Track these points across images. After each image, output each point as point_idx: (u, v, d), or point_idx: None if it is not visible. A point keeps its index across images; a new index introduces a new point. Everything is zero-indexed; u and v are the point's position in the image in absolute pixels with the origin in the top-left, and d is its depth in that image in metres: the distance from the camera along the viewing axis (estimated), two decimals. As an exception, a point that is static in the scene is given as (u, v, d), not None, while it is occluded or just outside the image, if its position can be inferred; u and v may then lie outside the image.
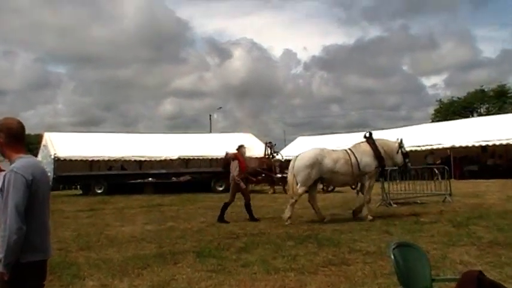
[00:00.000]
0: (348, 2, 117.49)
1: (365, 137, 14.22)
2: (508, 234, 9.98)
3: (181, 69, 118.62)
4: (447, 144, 31.92)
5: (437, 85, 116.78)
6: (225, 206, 14.17)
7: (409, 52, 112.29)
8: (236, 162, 14.40)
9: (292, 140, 47.83)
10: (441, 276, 5.83)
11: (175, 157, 34.56)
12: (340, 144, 36.61)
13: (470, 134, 31.31)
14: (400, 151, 14.09)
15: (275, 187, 25.87)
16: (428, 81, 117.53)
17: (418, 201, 17.00)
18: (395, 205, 16.17)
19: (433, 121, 57.67)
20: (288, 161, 30.80)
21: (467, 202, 16.08)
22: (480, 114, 57.74)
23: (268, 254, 9.03)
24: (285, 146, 43.96)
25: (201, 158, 36.03)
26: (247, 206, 14.36)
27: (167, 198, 22.75)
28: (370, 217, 13.12)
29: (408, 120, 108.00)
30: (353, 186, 14.59)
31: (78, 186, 32.25)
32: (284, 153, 30.89)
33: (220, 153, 32.09)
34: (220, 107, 74.34)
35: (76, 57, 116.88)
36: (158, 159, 33.18)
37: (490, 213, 13.21)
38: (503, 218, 12.22)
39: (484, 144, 29.93)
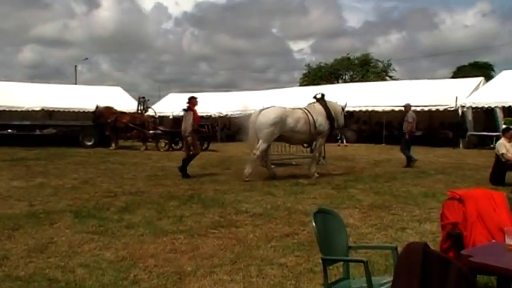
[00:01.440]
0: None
1: (316, 98, 14.44)
2: (384, 197, 10.40)
3: (44, 15, 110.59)
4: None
5: (303, 50, 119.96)
6: (189, 158, 13.97)
7: (280, 15, 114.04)
8: (190, 113, 13.93)
9: (161, 96, 46.85)
10: (357, 244, 5.79)
11: (38, 108, 32.41)
12: (210, 102, 36.96)
13: (337, 99, 32.45)
14: (343, 113, 14.52)
15: (147, 143, 25.06)
16: (295, 46, 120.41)
17: (294, 162, 17.27)
18: (272, 166, 16.25)
19: (300, 85, 59.22)
20: (162, 117, 30.66)
21: (340, 165, 16.67)
22: (345, 81, 60.31)
23: (152, 214, 8.60)
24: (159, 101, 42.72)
25: (66, 110, 34.14)
26: (187, 160, 13.95)
27: (32, 151, 21.12)
28: (316, 174, 13.60)
29: (275, 83, 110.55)
30: (305, 145, 14.95)
31: None
32: (156, 109, 30.04)
33: (87, 106, 30.65)
34: (86, 58, 70.31)
35: None
36: (19, 109, 30.87)
37: (363, 177, 13.75)
38: (376, 182, 12.76)
39: (350, 109, 31.20)
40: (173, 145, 24.49)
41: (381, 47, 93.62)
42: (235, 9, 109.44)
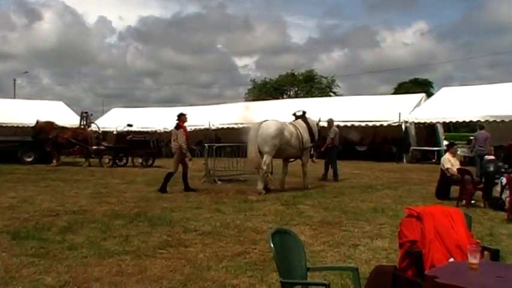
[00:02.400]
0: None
1: (295, 115, 15.25)
2: (334, 213, 10.35)
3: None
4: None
5: (248, 66, 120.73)
6: (168, 176, 13.97)
7: (225, 32, 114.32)
8: (181, 130, 14.07)
9: (105, 111, 45.81)
10: (316, 265, 5.61)
11: (-26, 122, 31.11)
12: (155, 118, 36.44)
13: (283, 114, 32.56)
14: (318, 127, 15.34)
15: (90, 159, 24.31)
16: (240, 62, 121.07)
17: (241, 178, 17.09)
18: (220, 182, 16.07)
19: (246, 100, 59.45)
20: (105, 133, 29.94)
21: (288, 180, 16.53)
22: (290, 97, 60.87)
23: (96, 234, 8.22)
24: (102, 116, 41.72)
25: (4, 125, 32.85)
26: (185, 176, 14.24)
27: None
28: (310, 186, 14.64)
29: (220, 98, 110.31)
30: (291, 160, 15.12)
31: None
32: (99, 125, 29.29)
33: (27, 121, 29.53)
34: (26, 72, 67.94)
35: None
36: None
37: (311, 192, 13.69)
38: (325, 197, 12.73)
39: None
40: (117, 161, 23.89)
41: (325, 63, 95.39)
42: (180, 25, 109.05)
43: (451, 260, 4.15)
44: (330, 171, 17.44)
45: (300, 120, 14.91)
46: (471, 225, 4.57)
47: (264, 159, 13.58)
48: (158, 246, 7.46)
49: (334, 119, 28.31)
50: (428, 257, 4.21)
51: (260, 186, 13.53)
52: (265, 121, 13.99)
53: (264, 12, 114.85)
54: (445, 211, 4.48)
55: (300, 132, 14.31)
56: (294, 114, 15.35)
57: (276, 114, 33.10)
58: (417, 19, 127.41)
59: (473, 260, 3.29)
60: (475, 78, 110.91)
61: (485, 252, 4.18)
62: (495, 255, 3.98)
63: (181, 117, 14.34)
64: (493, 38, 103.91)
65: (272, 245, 3.63)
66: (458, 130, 48.96)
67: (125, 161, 24.29)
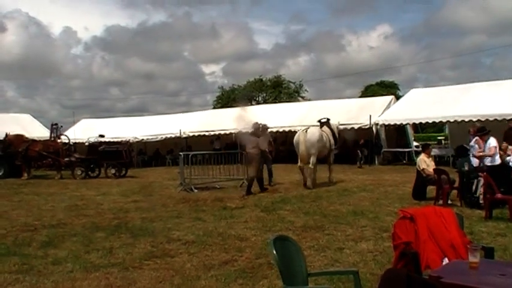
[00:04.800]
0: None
1: (320, 122, 17.64)
2: (315, 217, 10.39)
3: None
4: (233, 130, 32.95)
5: (215, 73, 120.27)
6: (252, 180, 15.18)
7: (191, 39, 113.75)
8: (262, 138, 15.84)
9: (70, 123, 44.87)
10: (316, 271, 5.63)
11: None
12: (124, 127, 36.11)
13: (253, 120, 32.63)
14: (337, 131, 17.96)
15: (62, 172, 23.89)
16: (207, 69, 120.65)
17: (217, 185, 17.06)
18: (196, 190, 16.00)
19: (214, 107, 59.24)
20: (77, 144, 29.53)
21: (265, 186, 16.59)
22: (258, 103, 60.90)
23: (79, 248, 8.12)
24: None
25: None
26: (261, 179, 15.67)
27: None
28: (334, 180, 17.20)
29: (188, 106, 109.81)
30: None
31: None
32: (70, 136, 28.85)
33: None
34: (-11, 84, 66.77)
35: None
36: None
37: (289, 197, 13.72)
38: (303, 202, 12.76)
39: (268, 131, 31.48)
40: (90, 172, 23.56)
41: (292, 68, 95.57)
42: (146, 34, 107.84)
43: (445, 259, 4.24)
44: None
45: (325, 127, 17.26)
46: (463, 224, 4.66)
47: (311, 159, 15.90)
48: (144, 257, 7.40)
49: (304, 123, 28.72)
50: (423, 257, 4.29)
51: (309, 182, 15.83)
52: (308, 128, 16.58)
53: (229, 19, 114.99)
54: (438, 211, 4.58)
55: (328, 137, 16.75)
56: (319, 121, 17.77)
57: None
58: (381, 22, 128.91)
59: (474, 258, 3.36)
60: (439, 79, 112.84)
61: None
62: (489, 253, 4.07)
63: (258, 126, 16.24)
64: (454, 40, 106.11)
65: (274, 252, 3.64)
66: (426, 131, 49.91)
67: (97, 172, 23.97)
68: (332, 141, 17.06)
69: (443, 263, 4.15)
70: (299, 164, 16.30)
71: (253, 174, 15.28)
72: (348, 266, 6.56)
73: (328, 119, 17.83)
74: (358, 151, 26.30)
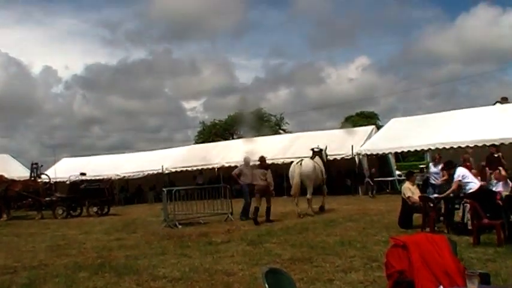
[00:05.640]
0: (113, 23, 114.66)
1: (314, 151, 18.50)
2: (302, 249, 10.25)
3: None
4: (216, 164, 32.85)
5: (196, 108, 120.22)
6: (256, 211, 15.78)
7: (172, 76, 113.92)
8: (269, 171, 16.52)
9: (51, 162, 44.27)
10: None
11: None
12: (106, 164, 35.79)
13: (234, 154, 32.49)
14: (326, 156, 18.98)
15: (43, 212, 23.43)
16: (188, 105, 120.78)
17: (201, 221, 16.82)
18: (180, 226, 15.76)
19: (196, 142, 59.02)
20: (58, 183, 29.15)
21: (248, 221, 16.44)
22: (240, 136, 60.88)
23: (62, 289, 7.86)
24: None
25: None
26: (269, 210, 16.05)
27: None
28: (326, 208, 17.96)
29: (169, 142, 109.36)
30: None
31: None
32: (50, 175, 28.47)
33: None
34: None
35: None
36: None
37: (275, 230, 13.56)
38: (289, 234, 12.63)
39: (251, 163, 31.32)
40: (71, 211, 23.16)
41: (272, 101, 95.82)
42: (126, 71, 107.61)
43: (441, 287, 4.13)
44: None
45: (316, 157, 18.08)
46: (457, 250, 4.58)
47: (308, 190, 16.84)
48: (129, 296, 7.19)
49: (287, 156, 28.72)
50: (417, 285, 4.19)
51: (309, 209, 16.72)
52: (301, 160, 17.37)
53: (209, 55, 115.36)
54: (430, 238, 4.50)
55: (320, 167, 17.64)
56: (312, 150, 18.69)
57: (230, 154, 33.37)
58: (359, 54, 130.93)
59: (472, 285, 3.28)
60: (417, 109, 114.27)
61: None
62: (485, 279, 3.98)
63: (265, 159, 17.16)
64: (431, 70, 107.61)
65: (267, 286, 3.52)
66: (407, 159, 50.15)
67: (79, 210, 23.58)
68: (324, 170, 17.92)
69: (439, 291, 4.05)
70: (295, 197, 16.82)
71: (269, 204, 16.00)
72: (339, 297, 6.43)
73: (321, 149, 18.65)
74: (369, 180, 26.07)
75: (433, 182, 16.47)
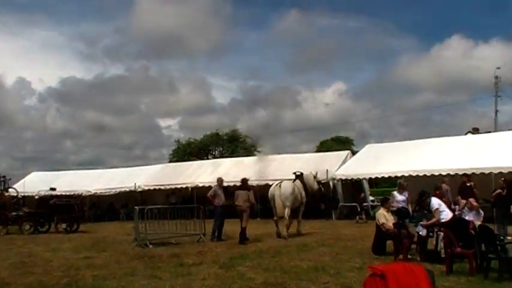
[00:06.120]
0: (90, 37, 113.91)
1: (296, 175, 19.09)
2: (275, 273, 10.07)
3: None
4: (190, 184, 32.53)
5: (171, 126, 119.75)
6: (243, 230, 16.23)
7: (148, 93, 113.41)
8: (252, 192, 17.09)
9: (20, 175, 43.40)
10: None
11: None
12: (77, 180, 35.21)
13: (209, 174, 32.25)
14: (315, 180, 19.53)
15: (8, 227, 22.80)
16: (163, 122, 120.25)
17: (173, 241, 16.54)
18: (151, 246, 15.45)
19: (170, 161, 58.61)
20: (26, 197, 28.52)
21: (221, 242, 16.23)
22: (215, 157, 60.64)
23: (24, 309, 7.56)
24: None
25: None
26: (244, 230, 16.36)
27: None
28: (302, 232, 18.16)
29: (143, 159, 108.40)
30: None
31: None
32: (19, 189, 27.86)
33: None
34: None
35: None
36: None
37: (248, 253, 13.35)
38: (262, 257, 12.44)
39: (225, 184, 31.08)
40: (39, 227, 22.62)
41: (248, 123, 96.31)
42: (102, 86, 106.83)
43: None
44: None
45: (297, 181, 18.61)
46: (434, 280, 4.49)
47: (286, 211, 17.09)
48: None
49: (261, 178, 28.59)
50: (395, 317, 4.08)
51: (284, 233, 16.90)
52: (281, 182, 18.02)
53: (187, 74, 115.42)
54: (408, 268, 4.41)
55: (300, 190, 18.08)
56: (295, 173, 19.23)
57: (203, 173, 33.15)
58: (335, 80, 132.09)
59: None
60: (391, 135, 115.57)
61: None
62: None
63: (247, 180, 17.84)
64: (405, 97, 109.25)
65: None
66: (379, 185, 50.48)
67: (47, 226, 23.04)
68: (303, 193, 18.35)
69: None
70: (275, 217, 17.48)
71: (245, 225, 16.30)
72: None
73: (301, 173, 19.23)
74: (357, 204, 25.74)
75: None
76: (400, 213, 13.50)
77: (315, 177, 19.69)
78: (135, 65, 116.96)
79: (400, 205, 14.00)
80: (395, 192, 14.60)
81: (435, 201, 11.45)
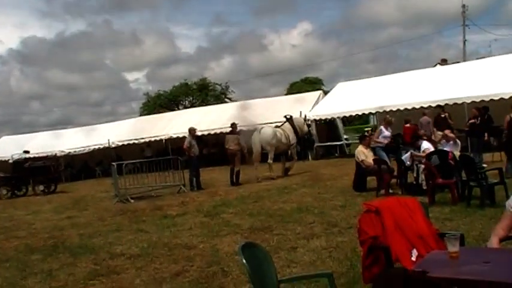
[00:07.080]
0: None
1: (286, 118, 19.39)
2: (261, 218, 10.17)
3: None
4: (164, 136, 32.29)
5: (139, 80, 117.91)
6: (238, 173, 17.13)
7: (113, 48, 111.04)
8: (236, 136, 17.71)
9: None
10: (287, 277, 5.29)
11: None
12: (46, 142, 34.65)
13: (181, 125, 32.02)
14: (305, 123, 20.54)
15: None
16: (130, 76, 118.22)
17: (153, 194, 16.52)
18: (132, 200, 15.41)
19: (141, 114, 58.06)
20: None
21: (202, 192, 16.23)
22: (185, 107, 60.15)
23: (14, 273, 7.51)
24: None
25: None
26: (238, 173, 17.24)
27: None
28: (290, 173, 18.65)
29: (113, 115, 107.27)
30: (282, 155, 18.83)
31: None
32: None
33: None
34: None
35: None
36: None
37: (231, 200, 13.41)
38: (245, 203, 12.50)
39: (199, 134, 30.90)
40: (16, 191, 22.36)
41: (216, 70, 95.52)
42: (65, 44, 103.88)
43: (414, 251, 4.08)
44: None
45: (286, 124, 18.98)
46: (428, 213, 4.54)
47: (269, 155, 17.78)
48: (88, 277, 6.93)
49: (239, 125, 28.48)
50: (392, 251, 4.12)
51: (271, 173, 17.65)
52: (262, 128, 18.54)
53: (150, 25, 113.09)
54: (402, 202, 4.43)
55: (287, 133, 18.35)
56: (285, 117, 19.55)
57: (176, 125, 32.87)
58: (301, 20, 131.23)
59: (453, 248, 3.19)
60: (360, 73, 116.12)
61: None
62: (460, 240, 3.93)
63: (236, 125, 18.36)
64: (371, 34, 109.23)
65: (244, 261, 3.36)
66: (352, 123, 50.97)
67: (24, 190, 22.79)
68: (291, 136, 18.57)
69: (413, 255, 4.00)
70: (253, 159, 17.72)
71: (238, 168, 17.10)
72: (306, 265, 6.37)
73: (291, 116, 19.66)
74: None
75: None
76: (387, 149, 13.68)
77: (304, 119, 20.71)
78: (97, 20, 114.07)
79: (387, 140, 14.07)
80: (382, 128, 14.59)
81: (426, 144, 11.66)
